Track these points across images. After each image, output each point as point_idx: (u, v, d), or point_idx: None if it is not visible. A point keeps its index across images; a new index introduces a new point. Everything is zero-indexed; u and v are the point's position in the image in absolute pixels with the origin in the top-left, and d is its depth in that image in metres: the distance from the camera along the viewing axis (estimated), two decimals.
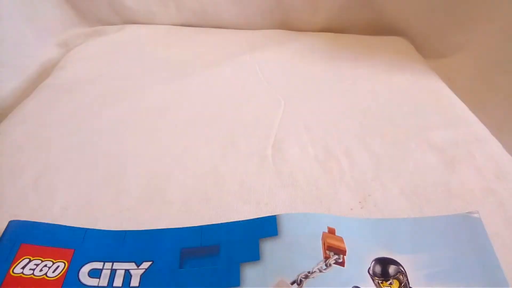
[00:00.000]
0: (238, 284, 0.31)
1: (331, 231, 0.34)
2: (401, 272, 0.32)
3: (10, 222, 0.35)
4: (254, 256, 0.33)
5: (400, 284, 0.32)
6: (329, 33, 0.85)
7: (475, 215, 0.38)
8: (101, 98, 0.60)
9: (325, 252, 0.33)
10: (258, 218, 0.37)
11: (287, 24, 0.87)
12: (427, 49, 0.80)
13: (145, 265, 0.34)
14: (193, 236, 0.36)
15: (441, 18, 0.78)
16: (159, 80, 0.66)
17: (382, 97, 0.62)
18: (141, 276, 0.33)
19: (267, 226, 0.36)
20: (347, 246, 0.33)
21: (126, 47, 0.78)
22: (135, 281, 0.32)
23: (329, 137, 0.53)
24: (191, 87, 0.65)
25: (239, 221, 0.37)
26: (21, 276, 0.31)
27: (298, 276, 0.31)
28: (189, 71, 0.69)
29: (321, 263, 0.32)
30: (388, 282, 0.32)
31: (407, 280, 0.32)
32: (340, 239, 0.34)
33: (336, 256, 0.33)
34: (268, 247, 0.34)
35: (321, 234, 0.34)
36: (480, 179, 0.46)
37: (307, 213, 0.38)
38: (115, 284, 0.32)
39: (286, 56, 0.76)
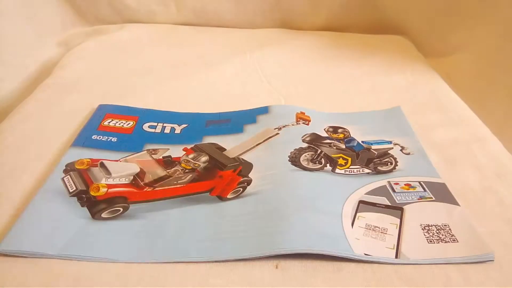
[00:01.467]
0: (242, 131, 0.53)
1: (302, 113, 0.55)
2: (345, 129, 0.53)
3: (99, 105, 0.56)
4: (252, 121, 0.54)
5: (344, 135, 0.52)
6: (330, 32, 0.85)
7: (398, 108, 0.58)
8: (101, 97, 0.60)
9: (297, 120, 0.54)
10: (256, 108, 0.57)
11: (288, 23, 0.87)
12: (428, 48, 0.80)
13: (184, 126, 0.54)
14: (213, 115, 0.56)
15: (441, 17, 0.78)
16: (160, 79, 0.66)
17: (383, 95, 0.62)
18: (181, 129, 0.53)
19: (261, 110, 0.56)
20: (312, 121, 0.54)
21: (126, 46, 0.78)
22: (177, 131, 0.53)
23: None
24: (192, 86, 0.65)
25: (244, 110, 0.57)
26: (107, 126, 0.53)
27: (278, 126, 0.53)
28: (189, 70, 0.69)
29: (294, 122, 0.54)
30: (336, 134, 0.52)
31: (349, 133, 0.53)
32: (307, 117, 0.55)
33: (303, 121, 0.54)
34: (261, 117, 0.55)
35: (296, 112, 0.55)
36: (481, 178, 0.46)
37: (288, 105, 0.58)
38: (165, 131, 0.53)
39: (286, 55, 0.76)
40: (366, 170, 0.47)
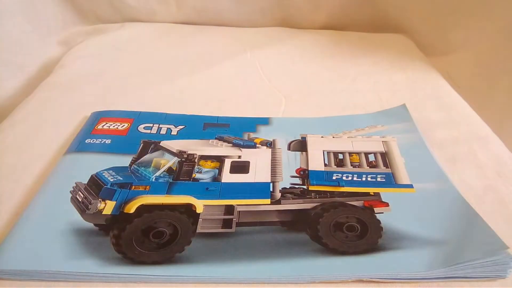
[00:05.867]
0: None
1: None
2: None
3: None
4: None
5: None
6: (330, 31, 0.85)
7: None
8: (102, 96, 0.60)
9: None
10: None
11: (288, 22, 0.87)
12: (429, 47, 0.80)
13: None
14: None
15: (442, 16, 0.78)
16: (160, 78, 0.66)
17: (383, 94, 0.62)
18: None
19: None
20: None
21: (127, 45, 0.78)
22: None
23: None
24: (192, 84, 0.65)
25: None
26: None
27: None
28: (189, 69, 0.69)
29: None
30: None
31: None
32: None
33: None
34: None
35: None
36: (481, 176, 0.46)
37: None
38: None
39: (287, 53, 0.76)
40: None
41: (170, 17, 0.86)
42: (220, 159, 0.41)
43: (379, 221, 0.39)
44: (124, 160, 0.44)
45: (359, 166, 0.45)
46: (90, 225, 0.37)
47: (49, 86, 0.63)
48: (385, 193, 0.42)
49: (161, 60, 0.72)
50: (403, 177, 0.43)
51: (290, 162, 0.46)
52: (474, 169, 0.47)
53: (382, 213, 0.40)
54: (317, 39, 0.81)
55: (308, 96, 0.62)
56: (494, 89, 0.70)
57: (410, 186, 0.43)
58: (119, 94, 0.61)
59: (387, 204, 0.40)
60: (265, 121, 0.54)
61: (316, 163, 0.44)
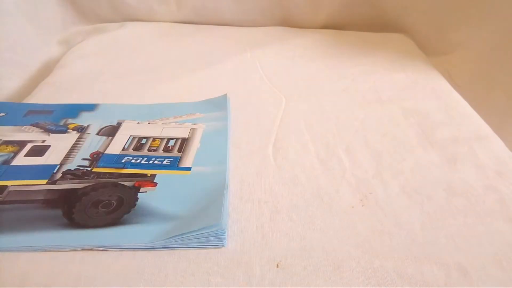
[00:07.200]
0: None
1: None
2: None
3: None
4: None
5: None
6: (331, 30, 0.85)
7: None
8: (102, 96, 0.60)
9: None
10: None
11: (288, 21, 0.87)
12: (429, 46, 0.80)
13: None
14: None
15: (442, 15, 0.78)
16: (160, 78, 0.66)
17: (383, 94, 0.62)
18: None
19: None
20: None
21: (127, 45, 0.78)
22: None
23: (330, 135, 0.53)
24: (192, 84, 0.65)
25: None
26: None
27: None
28: (189, 69, 0.69)
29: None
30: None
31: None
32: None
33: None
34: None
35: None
36: (482, 176, 0.46)
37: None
38: None
39: (287, 53, 0.76)
40: None
41: (170, 16, 0.86)
42: (23, 144, 0.47)
43: (136, 199, 0.41)
44: None
45: (155, 150, 0.48)
46: None
47: (49, 86, 0.63)
48: (162, 175, 0.44)
49: (161, 60, 0.72)
50: (188, 161, 0.47)
51: (92, 146, 0.48)
52: (474, 169, 0.47)
53: (146, 192, 0.42)
54: (317, 39, 0.81)
55: (308, 96, 0.62)
56: (494, 89, 0.70)
57: (188, 169, 0.46)
58: (119, 94, 0.61)
59: (154, 185, 0.43)
60: (90, 108, 0.56)
61: (115, 147, 0.48)
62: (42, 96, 0.60)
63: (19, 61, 0.72)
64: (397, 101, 0.59)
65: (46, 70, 0.71)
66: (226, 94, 0.59)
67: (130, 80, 0.65)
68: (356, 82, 0.66)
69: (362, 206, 0.42)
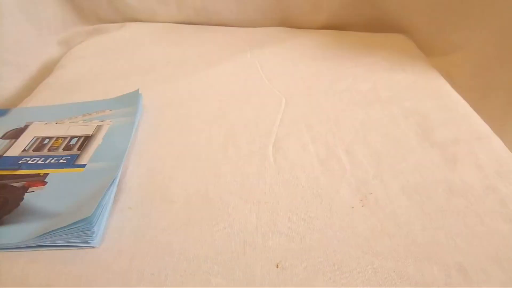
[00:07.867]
0: None
1: None
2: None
3: None
4: None
5: None
6: (330, 30, 0.85)
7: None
8: (102, 97, 0.60)
9: None
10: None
11: (288, 22, 0.87)
12: (429, 47, 0.80)
13: None
14: None
15: (442, 16, 0.78)
16: (160, 78, 0.66)
17: (383, 94, 0.62)
18: None
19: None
20: None
21: (127, 45, 0.78)
22: None
23: (330, 135, 0.53)
24: (192, 85, 0.65)
25: None
26: None
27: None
28: (189, 69, 0.69)
29: None
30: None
31: None
32: None
33: None
34: None
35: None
36: (482, 176, 0.46)
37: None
38: None
39: (287, 53, 0.76)
40: None
41: (170, 17, 0.86)
42: None
43: (20, 200, 0.41)
44: None
45: (56, 150, 0.48)
46: None
47: (49, 86, 0.63)
48: (55, 174, 0.44)
49: (161, 60, 0.72)
50: (85, 158, 0.46)
51: None
52: (474, 169, 0.47)
53: (33, 192, 0.42)
54: (317, 39, 0.81)
55: (308, 96, 0.62)
56: (494, 89, 0.70)
57: (82, 166, 0.45)
58: (119, 94, 0.61)
59: (43, 184, 0.43)
60: (1, 113, 0.56)
61: (16, 150, 0.48)
62: (42, 97, 0.60)
63: (19, 61, 0.72)
64: (397, 102, 0.59)
65: (46, 71, 0.71)
66: (138, 89, 0.59)
67: (130, 81, 0.65)
68: (356, 82, 0.66)
69: (362, 206, 0.42)
